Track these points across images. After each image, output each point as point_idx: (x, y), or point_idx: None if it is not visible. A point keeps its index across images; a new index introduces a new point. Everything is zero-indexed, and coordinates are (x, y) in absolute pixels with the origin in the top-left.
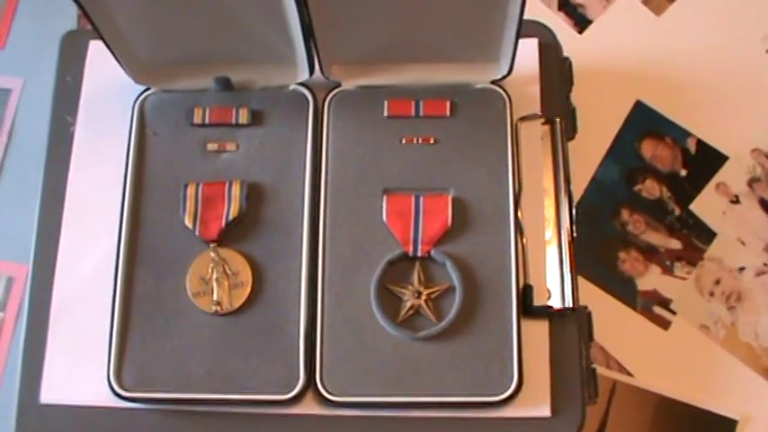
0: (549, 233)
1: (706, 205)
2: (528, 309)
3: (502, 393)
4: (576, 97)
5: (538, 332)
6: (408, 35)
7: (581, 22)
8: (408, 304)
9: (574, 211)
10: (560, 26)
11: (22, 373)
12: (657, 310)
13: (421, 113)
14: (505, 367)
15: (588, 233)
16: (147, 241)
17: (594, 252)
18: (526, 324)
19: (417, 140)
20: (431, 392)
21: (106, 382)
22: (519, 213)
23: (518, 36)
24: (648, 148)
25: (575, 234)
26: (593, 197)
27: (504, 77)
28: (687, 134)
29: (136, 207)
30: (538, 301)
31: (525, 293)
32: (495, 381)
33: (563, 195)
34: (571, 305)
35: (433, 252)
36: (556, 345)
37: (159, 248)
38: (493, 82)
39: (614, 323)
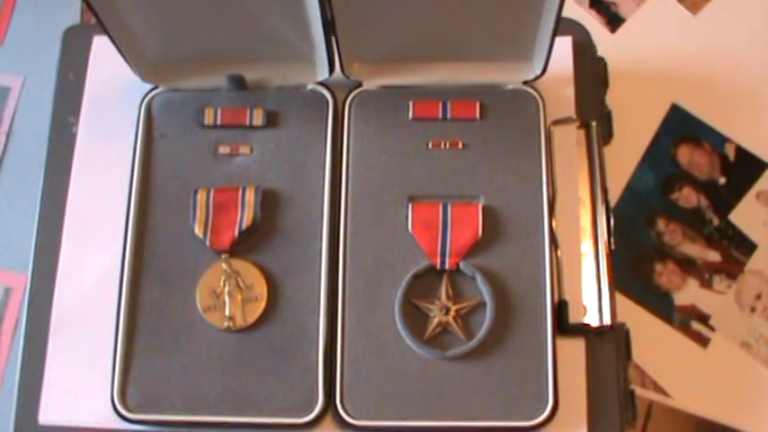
0: (585, 245)
1: (746, 215)
2: (563, 326)
3: (536, 417)
4: (608, 100)
5: (574, 351)
6: (436, 32)
7: (613, 21)
8: (435, 321)
9: (611, 222)
10: (591, 24)
11: (19, 392)
12: (696, 326)
13: (448, 116)
14: (540, 389)
15: (622, 244)
16: (154, 251)
17: (629, 264)
18: (561, 343)
19: (445, 145)
20: (460, 416)
21: (109, 403)
22: (553, 223)
23: (555, 34)
24: (685, 155)
25: (612, 246)
26: (627, 206)
27: (538, 78)
28: (725, 140)
29: (142, 214)
30: (573, 318)
31: (560, 310)
32: (528, 404)
33: (600, 204)
34: (609, 322)
35: (462, 265)
36: (593, 365)
37: (167, 259)
38: (525, 83)
39: (650, 340)
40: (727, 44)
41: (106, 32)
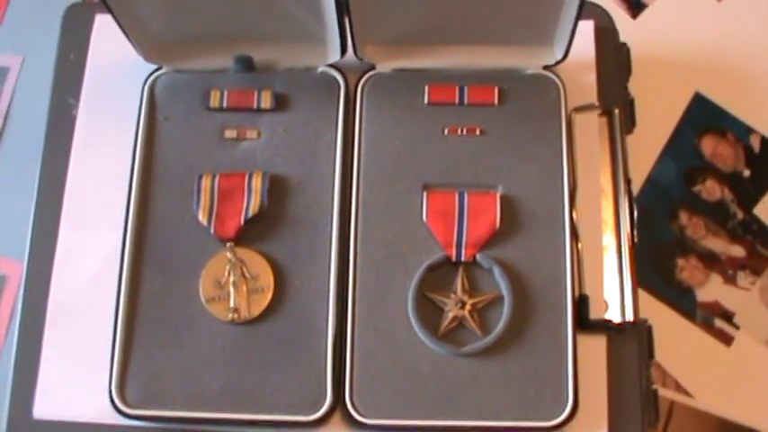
0: (607, 237)
1: None
2: (584, 322)
3: (555, 418)
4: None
5: (594, 349)
6: (453, 13)
7: (635, 6)
8: (450, 315)
9: (635, 213)
10: (612, 9)
11: (13, 385)
12: (719, 323)
13: (466, 101)
14: (559, 388)
15: (643, 238)
16: (156, 239)
17: (650, 258)
18: (581, 339)
19: (461, 131)
20: (475, 416)
21: (107, 397)
22: (574, 215)
23: (578, 17)
24: (708, 146)
25: (635, 239)
26: (648, 198)
27: (559, 63)
28: (750, 131)
29: (144, 200)
30: (594, 313)
31: (581, 305)
32: (547, 404)
33: (622, 195)
34: (632, 318)
35: (478, 257)
36: (614, 363)
37: (169, 247)
38: (545, 67)
39: (672, 338)
40: (752, 32)
41: (109, 10)
